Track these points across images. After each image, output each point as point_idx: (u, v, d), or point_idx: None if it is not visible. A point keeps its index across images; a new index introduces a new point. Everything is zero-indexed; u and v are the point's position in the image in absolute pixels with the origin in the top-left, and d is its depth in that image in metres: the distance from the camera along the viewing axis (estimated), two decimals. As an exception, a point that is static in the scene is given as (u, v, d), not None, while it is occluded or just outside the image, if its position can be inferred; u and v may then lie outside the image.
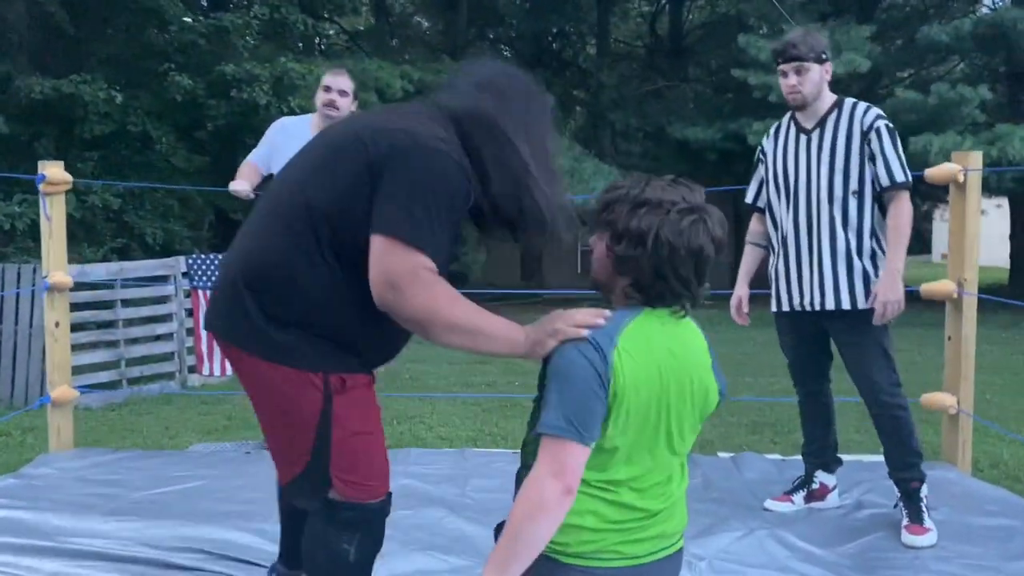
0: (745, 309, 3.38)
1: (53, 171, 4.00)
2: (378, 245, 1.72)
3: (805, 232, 3.12)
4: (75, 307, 6.19)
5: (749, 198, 3.36)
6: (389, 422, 5.11)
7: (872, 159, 3.02)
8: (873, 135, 3.01)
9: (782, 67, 3.10)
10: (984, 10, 16.53)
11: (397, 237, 1.71)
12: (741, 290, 3.37)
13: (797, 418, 3.43)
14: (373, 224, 1.73)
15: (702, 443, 4.69)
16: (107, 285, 6.92)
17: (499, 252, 17.96)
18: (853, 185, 3.04)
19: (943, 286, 3.74)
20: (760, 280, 3.32)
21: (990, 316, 11.12)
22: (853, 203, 3.05)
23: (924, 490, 3.08)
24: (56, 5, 10.72)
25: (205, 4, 13.84)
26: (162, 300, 7.38)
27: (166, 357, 7.41)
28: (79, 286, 6.03)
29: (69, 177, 4.08)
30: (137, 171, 11.29)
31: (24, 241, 9.00)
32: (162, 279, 7.39)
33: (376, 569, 2.68)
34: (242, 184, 3.87)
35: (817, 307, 3.10)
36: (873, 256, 3.06)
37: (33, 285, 6.51)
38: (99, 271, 6.91)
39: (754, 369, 7.58)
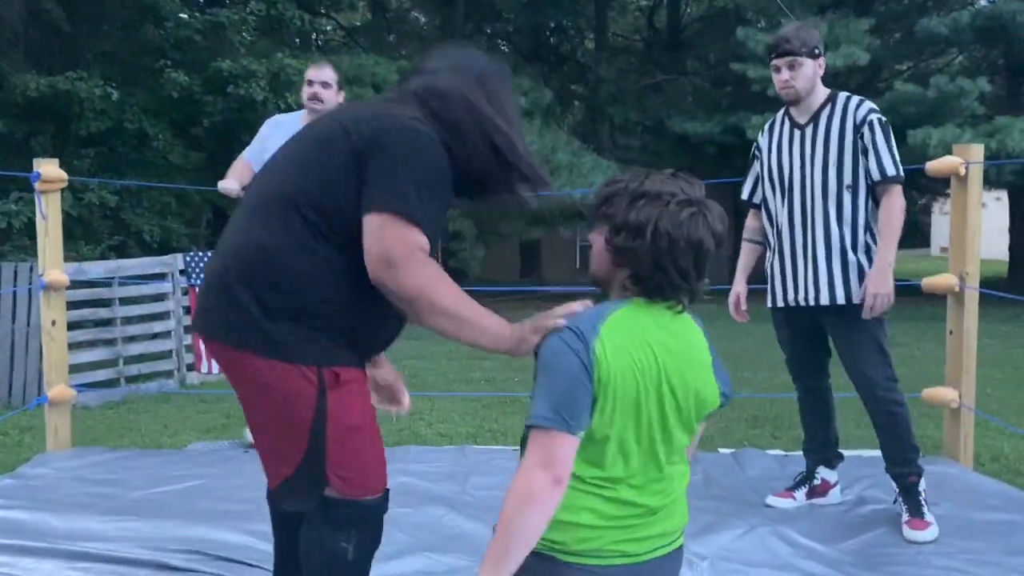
0: (743, 306, 3.38)
1: (48, 169, 3.98)
2: (372, 222, 1.75)
3: (799, 227, 3.11)
4: (72, 305, 6.17)
5: (745, 194, 3.35)
6: (388, 419, 5.09)
7: (865, 153, 3.01)
8: (866, 129, 3.00)
9: (775, 62, 3.10)
10: (983, 2, 16.47)
11: (391, 212, 1.74)
12: (739, 287, 3.36)
13: (797, 413, 3.42)
14: (365, 204, 1.77)
15: (702, 439, 4.67)
16: (104, 283, 6.90)
17: (498, 249, 17.95)
18: (847, 179, 3.03)
19: (945, 280, 3.72)
20: (758, 275, 3.31)
21: (990, 310, 11.10)
22: (847, 197, 3.03)
23: (922, 484, 3.07)
24: (52, 2, 10.68)
25: (201, 0, 13.79)
26: (160, 298, 7.35)
27: (164, 355, 7.38)
28: (76, 284, 6.01)
29: (64, 175, 4.05)
30: (134, 168, 11.26)
31: (21, 239, 8.98)
32: (160, 277, 7.36)
33: (375, 568, 2.66)
34: (231, 183, 3.83)
35: (812, 302, 3.09)
36: (868, 250, 3.05)
37: (30, 284, 6.48)
38: (96, 269, 6.89)
39: (753, 364, 7.57)
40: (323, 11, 16.95)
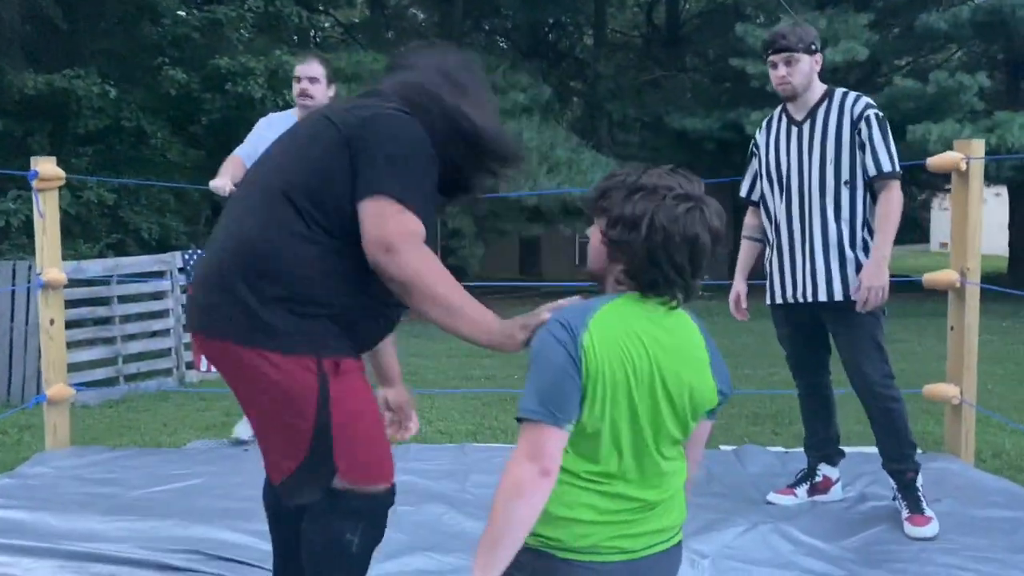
0: (744, 305, 3.36)
1: (46, 167, 3.96)
2: (369, 208, 1.78)
3: (798, 224, 3.10)
4: (71, 304, 6.15)
5: (744, 192, 3.34)
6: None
7: (862, 148, 3.00)
8: (863, 124, 2.99)
9: (772, 58, 3.09)
10: (982, -3, 16.45)
11: (387, 196, 1.77)
12: (739, 286, 3.35)
13: (798, 409, 3.41)
14: (360, 190, 1.79)
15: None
16: (103, 281, 6.88)
17: (498, 246, 17.94)
18: (844, 175, 3.02)
19: (946, 275, 3.71)
20: (758, 272, 3.30)
21: (990, 305, 11.10)
22: (845, 193, 3.02)
23: (920, 480, 3.06)
24: (49, 0, 10.65)
25: (199, -3, 13.76)
26: (159, 296, 7.34)
27: (163, 353, 7.37)
28: (75, 283, 6.00)
29: (62, 173, 4.04)
30: (132, 166, 11.24)
31: (19, 238, 8.97)
32: (158, 275, 7.35)
33: (375, 567, 2.65)
34: (222, 180, 3.78)
35: (810, 299, 3.08)
36: (866, 247, 3.04)
37: (28, 282, 6.47)
38: (95, 267, 6.88)
39: (753, 360, 7.56)
40: (321, 8, 16.93)
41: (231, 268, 1.82)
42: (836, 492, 3.32)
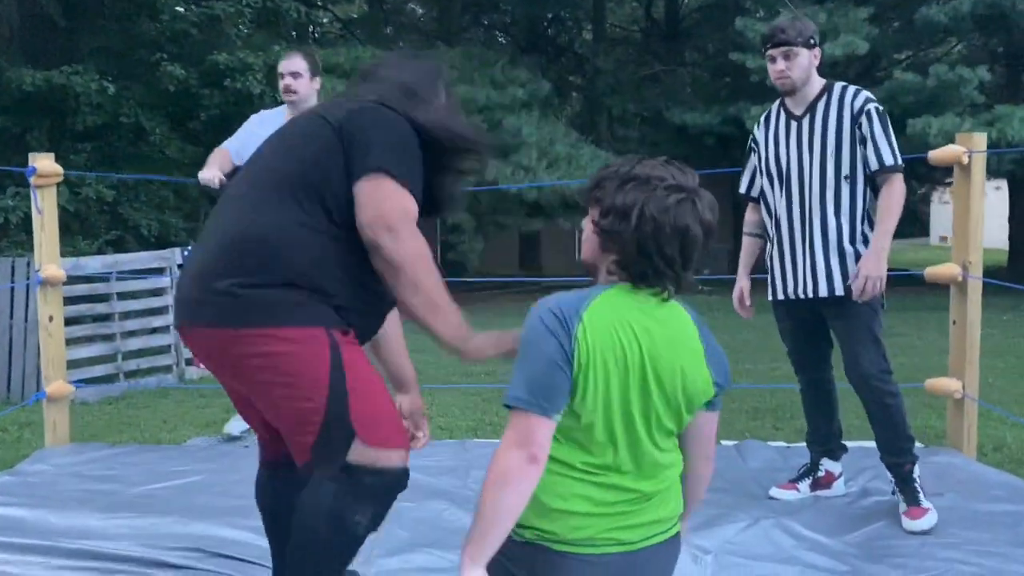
0: (747, 302, 3.34)
1: (44, 163, 3.95)
2: (364, 188, 1.81)
3: (798, 219, 3.09)
4: (70, 300, 6.14)
5: (743, 188, 3.32)
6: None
7: (863, 142, 2.98)
8: (863, 118, 2.98)
9: (770, 52, 3.07)
10: (982, -10, 16.40)
11: (382, 172, 1.80)
12: (742, 282, 3.33)
13: (799, 404, 3.40)
14: (355, 173, 1.82)
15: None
16: (102, 278, 6.87)
17: (497, 241, 17.92)
18: (845, 170, 3.01)
19: (948, 269, 3.70)
20: (761, 266, 3.29)
21: (991, 299, 11.09)
22: (845, 188, 3.01)
23: (917, 471, 3.05)
24: (47, -3, 10.63)
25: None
26: (158, 292, 7.33)
27: (163, 350, 7.36)
28: (74, 279, 5.98)
29: (60, 169, 4.02)
30: (131, 162, 11.22)
31: (18, 235, 8.95)
32: (158, 271, 7.34)
33: (376, 565, 2.65)
34: (211, 172, 3.75)
35: (811, 294, 3.07)
36: (866, 240, 3.03)
37: (27, 279, 6.46)
38: (94, 264, 6.86)
39: (754, 355, 7.55)
40: (320, 3, 16.89)
41: (228, 265, 1.82)
42: (839, 487, 3.31)
